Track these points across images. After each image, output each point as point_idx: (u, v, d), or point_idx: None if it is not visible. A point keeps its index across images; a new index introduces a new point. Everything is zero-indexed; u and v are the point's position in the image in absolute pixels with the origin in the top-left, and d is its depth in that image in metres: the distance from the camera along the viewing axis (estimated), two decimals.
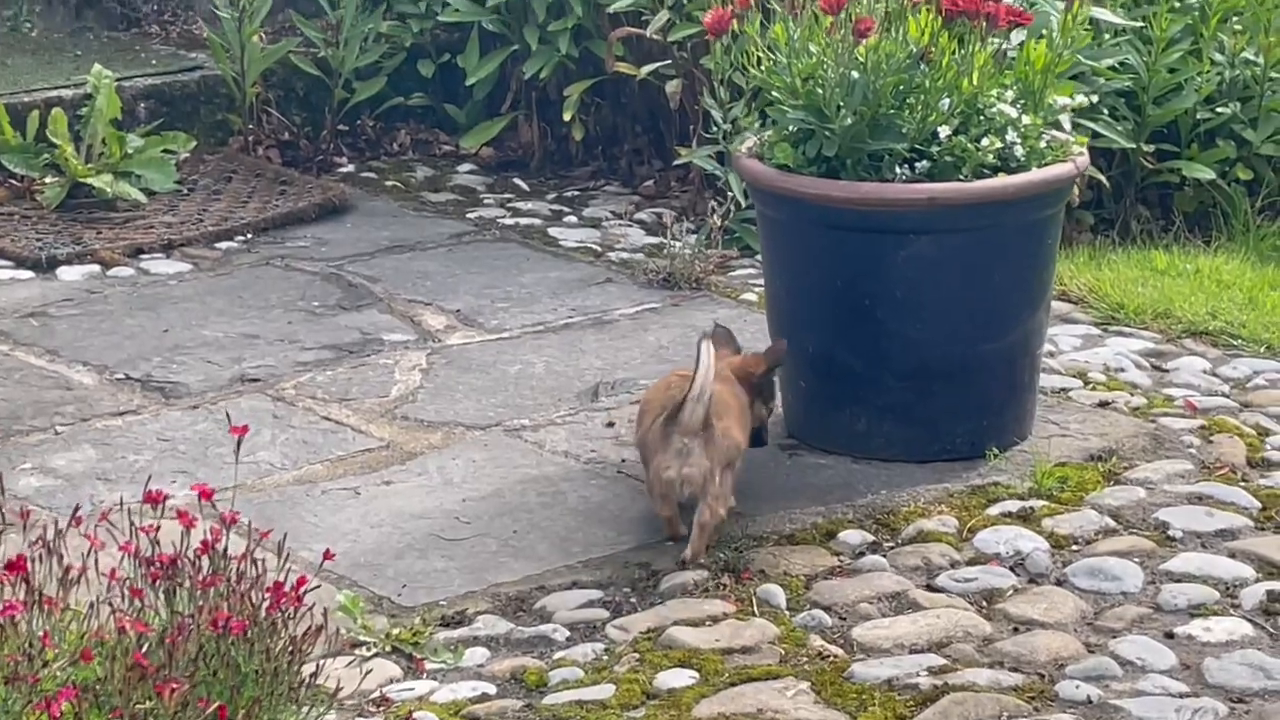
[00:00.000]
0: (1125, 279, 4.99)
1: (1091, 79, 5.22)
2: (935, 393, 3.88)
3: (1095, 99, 5.25)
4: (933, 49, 3.85)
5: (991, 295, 3.87)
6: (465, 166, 5.98)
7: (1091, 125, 5.19)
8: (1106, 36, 5.29)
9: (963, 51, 3.87)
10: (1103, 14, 5.17)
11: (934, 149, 3.83)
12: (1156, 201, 5.63)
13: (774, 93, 3.94)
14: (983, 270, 3.85)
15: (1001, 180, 3.81)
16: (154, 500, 2.98)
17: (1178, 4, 5.49)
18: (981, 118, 3.88)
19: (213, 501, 2.95)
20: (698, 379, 3.50)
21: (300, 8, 6.12)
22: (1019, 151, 3.85)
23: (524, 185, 5.85)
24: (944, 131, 3.81)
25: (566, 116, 5.73)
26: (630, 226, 5.48)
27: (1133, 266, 5.11)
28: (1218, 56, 5.54)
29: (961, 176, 3.82)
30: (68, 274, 5.02)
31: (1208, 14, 5.51)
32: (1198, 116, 5.51)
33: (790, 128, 3.90)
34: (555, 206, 5.66)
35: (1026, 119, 3.88)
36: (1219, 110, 5.51)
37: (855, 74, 3.80)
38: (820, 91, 3.83)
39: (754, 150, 4.00)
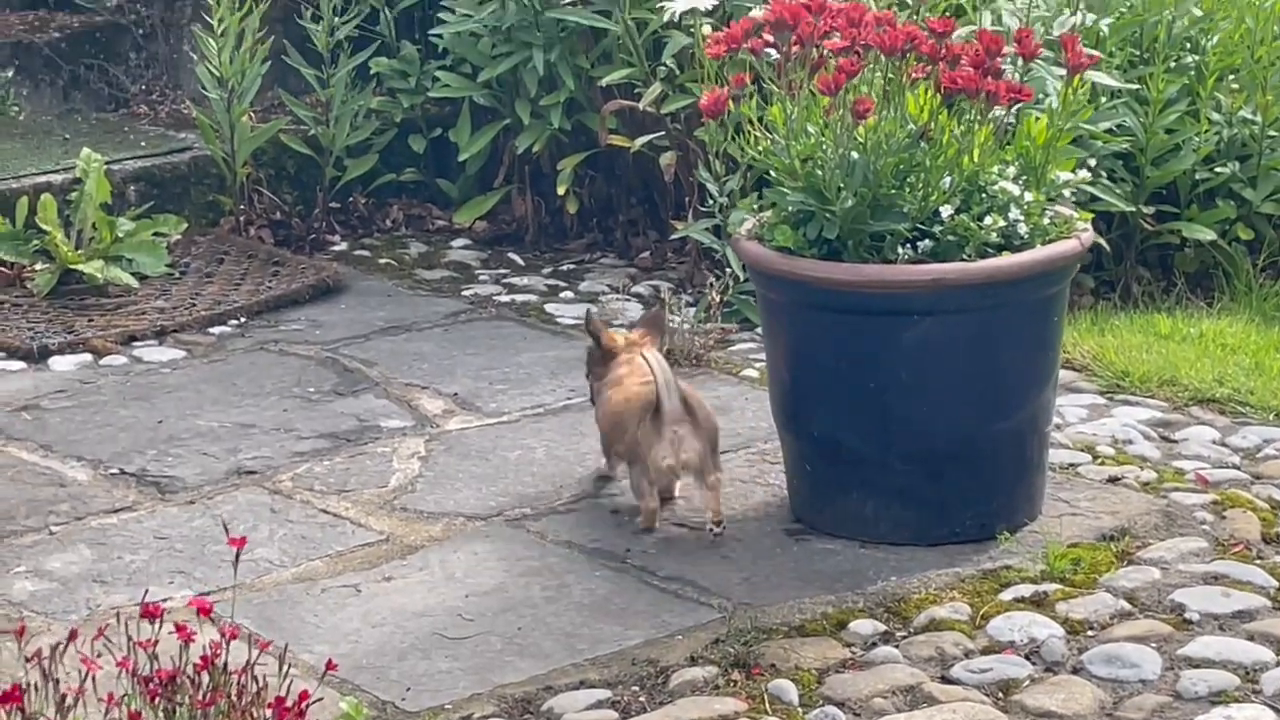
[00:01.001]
0: (1129, 345, 4.93)
1: (1089, 142, 5.17)
2: (944, 475, 3.82)
3: (1093, 162, 5.21)
4: (932, 127, 3.80)
5: (999, 375, 3.81)
6: (459, 241, 5.93)
7: (1090, 189, 5.15)
8: (1103, 99, 5.25)
9: (962, 128, 3.82)
10: (1099, 77, 5.13)
11: (936, 228, 3.78)
12: (1157, 263, 5.59)
13: (772, 174, 3.89)
14: (989, 350, 3.79)
15: (1006, 259, 3.76)
16: (151, 614, 2.92)
17: (1174, 64, 5.45)
18: (983, 195, 3.83)
19: (211, 616, 2.88)
20: (656, 371, 3.83)
21: (289, 85, 6.08)
22: (1022, 229, 3.80)
23: (519, 259, 5.80)
24: (946, 211, 3.76)
25: (560, 190, 5.69)
26: (628, 301, 5.43)
27: (1136, 332, 5.06)
28: (1215, 116, 5.51)
29: (965, 256, 3.76)
30: (60, 364, 4.96)
31: (1204, 74, 5.48)
32: (1196, 177, 5.48)
33: (790, 209, 3.85)
34: (551, 281, 5.61)
35: (1029, 196, 3.83)
36: (1218, 170, 5.48)
37: (855, 155, 3.75)
38: (820, 173, 3.78)
39: (753, 232, 3.95)
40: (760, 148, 3.89)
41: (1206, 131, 5.45)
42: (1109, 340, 4.96)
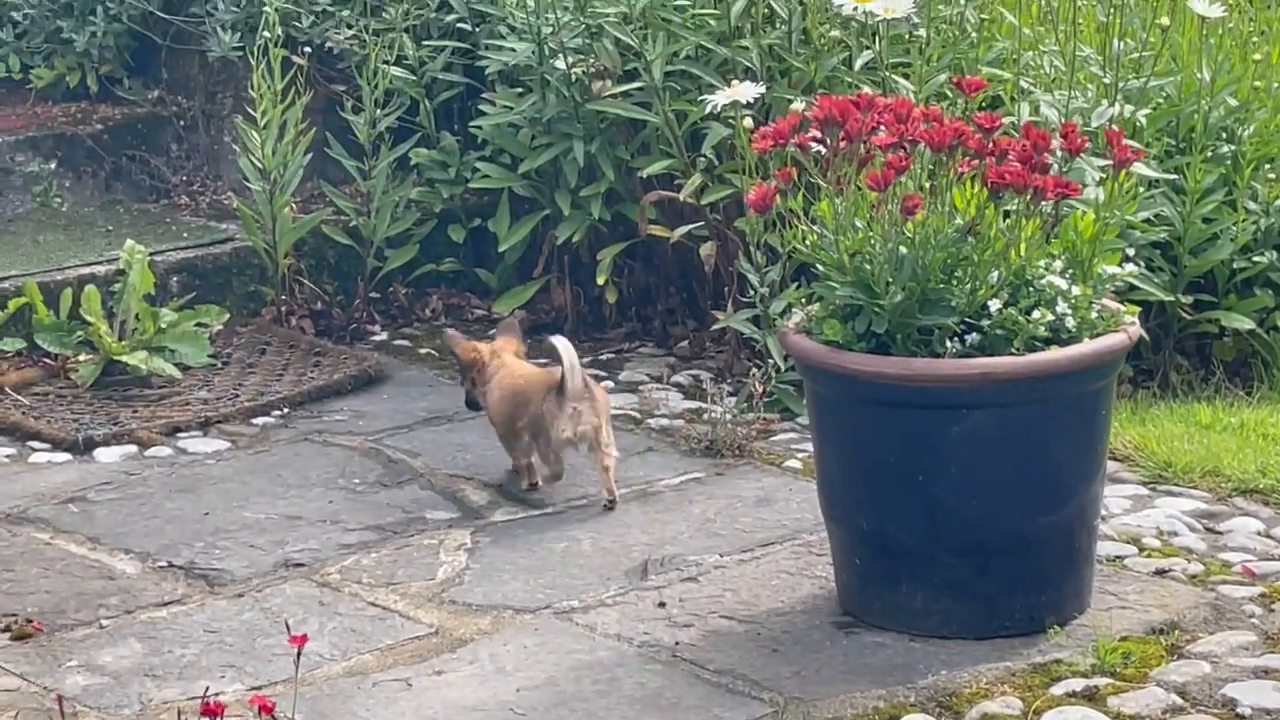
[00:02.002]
0: (1170, 435, 4.94)
1: (1128, 232, 5.19)
2: (993, 568, 3.83)
3: (1132, 251, 5.23)
4: (979, 221, 3.83)
5: (1047, 468, 3.82)
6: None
7: (1129, 279, 5.16)
8: (1141, 189, 5.27)
9: (1009, 222, 3.85)
10: (1137, 167, 5.15)
11: (984, 322, 3.80)
12: (1195, 351, 5.60)
13: (820, 268, 3.92)
14: (1038, 443, 3.81)
15: (1054, 353, 3.77)
16: (212, 713, 2.93)
17: (1210, 154, 5.48)
18: (1031, 289, 3.86)
19: (274, 714, 2.89)
20: (564, 355, 4.45)
21: (329, 175, 6.13)
22: (1070, 323, 3.82)
23: None
24: (994, 305, 3.78)
25: (600, 280, 5.72)
26: (668, 390, 5.45)
27: (1176, 422, 5.07)
28: (1252, 205, 5.53)
29: (1013, 349, 3.78)
30: (105, 455, 4.99)
31: (1241, 163, 5.50)
32: (1234, 266, 5.49)
33: (838, 303, 3.87)
34: (590, 371, 5.61)
35: (1076, 290, 3.85)
36: (1255, 259, 5.49)
37: (903, 250, 3.78)
38: (868, 267, 3.81)
39: (801, 325, 3.97)
40: (808, 242, 3.92)
41: (1244, 221, 5.47)
42: (1150, 430, 4.97)
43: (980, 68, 5.34)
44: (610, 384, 5.51)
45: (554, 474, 4.62)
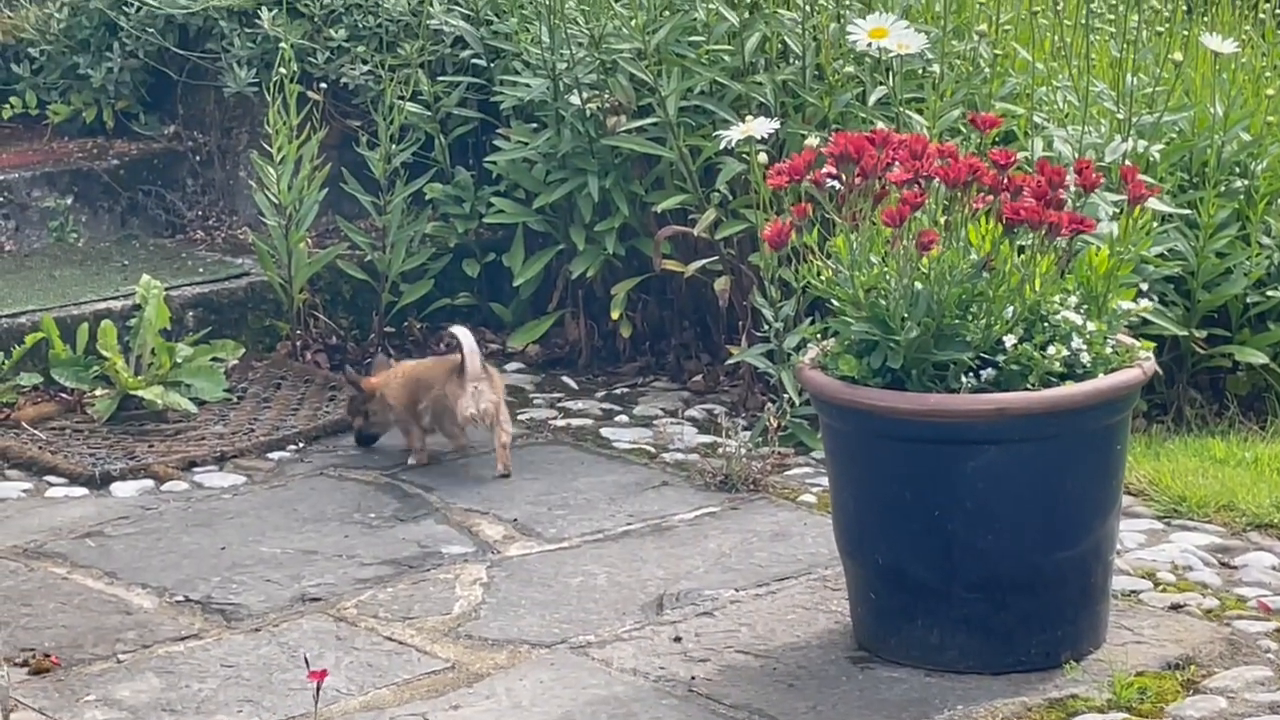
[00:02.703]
0: (1185, 469, 4.95)
1: (1142, 267, 5.20)
2: (1009, 604, 3.83)
3: (1145, 286, 5.24)
4: (994, 257, 3.84)
5: (1063, 504, 3.83)
6: (513, 365, 5.97)
7: (1143, 313, 5.18)
8: (1154, 224, 5.28)
9: (1024, 257, 3.86)
10: (1150, 202, 5.16)
11: (1000, 357, 3.81)
12: (1209, 385, 5.61)
13: (835, 303, 3.93)
14: (1053, 479, 3.82)
15: (1070, 389, 3.78)
16: None
17: (1224, 189, 5.50)
18: (1046, 324, 3.87)
19: None
20: (464, 340, 4.96)
21: (344, 210, 6.15)
22: (1085, 358, 3.83)
23: (572, 383, 5.83)
24: (1010, 340, 3.79)
25: (614, 315, 5.73)
26: (682, 424, 5.46)
27: (1191, 456, 5.07)
28: (1265, 240, 5.54)
29: (1029, 385, 3.79)
30: (121, 490, 5.00)
31: (1254, 198, 5.52)
32: (1248, 300, 5.50)
33: (853, 338, 3.88)
34: (605, 405, 5.64)
35: (1091, 325, 3.86)
36: (1269, 293, 5.50)
37: (919, 285, 3.79)
38: (883, 303, 3.82)
39: (817, 361, 3.98)
40: (823, 277, 3.93)
41: (1257, 255, 5.48)
42: (1165, 465, 4.98)
43: (994, 103, 5.36)
44: (625, 418, 5.52)
45: (459, 448, 5.13)
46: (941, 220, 3.85)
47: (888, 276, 3.83)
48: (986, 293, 3.84)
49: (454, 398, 4.98)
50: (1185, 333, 5.38)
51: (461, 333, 5.01)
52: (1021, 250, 3.88)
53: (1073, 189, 3.93)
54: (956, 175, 3.75)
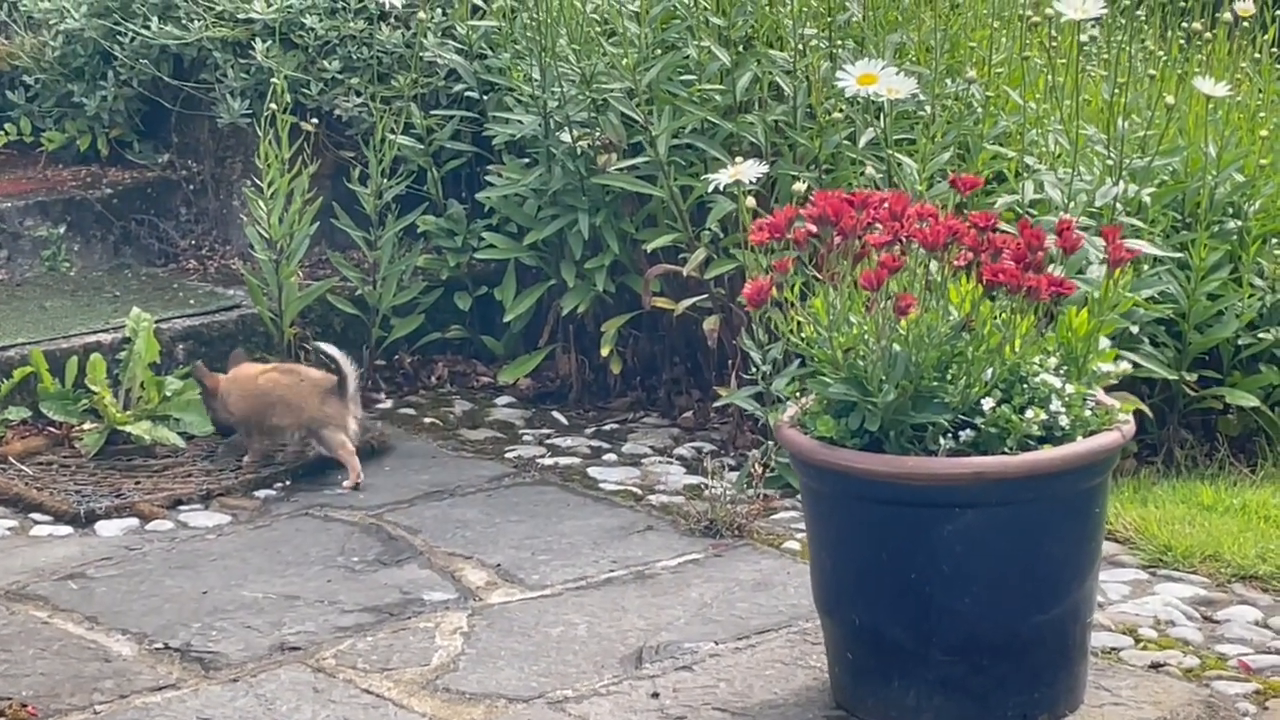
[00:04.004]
0: (1172, 517, 4.93)
1: (1132, 310, 5.19)
2: (985, 666, 3.82)
3: (1135, 329, 5.23)
4: (974, 318, 3.82)
5: (1040, 567, 3.82)
6: (503, 399, 5.96)
7: (1133, 356, 5.17)
8: (1145, 267, 5.27)
9: (1004, 317, 3.84)
10: (1142, 245, 5.16)
11: (978, 419, 3.80)
12: (1200, 426, 5.59)
13: (814, 362, 3.92)
14: (1031, 542, 3.80)
15: (1047, 453, 3.77)
16: None
17: (1216, 230, 5.48)
18: (1025, 385, 3.85)
19: None
20: (343, 362, 5.27)
21: (336, 240, 6.15)
22: (1064, 421, 3.81)
23: (562, 418, 5.83)
24: (988, 404, 3.78)
25: (604, 352, 5.73)
26: (671, 463, 5.45)
27: (1179, 502, 5.06)
28: (1258, 282, 5.53)
29: (1006, 448, 3.78)
30: (106, 529, 5.00)
31: (1246, 240, 5.51)
32: (1239, 342, 5.49)
33: (831, 398, 3.87)
34: (594, 443, 5.63)
35: (1070, 388, 3.84)
36: (1261, 336, 5.49)
37: (897, 347, 3.78)
38: (861, 364, 3.80)
39: (795, 419, 3.97)
40: (803, 334, 3.92)
41: (1250, 297, 5.47)
42: (1152, 511, 4.96)
43: (985, 144, 5.35)
44: (613, 456, 5.52)
45: (347, 454, 5.31)
46: (922, 279, 3.83)
47: (866, 338, 3.81)
48: (965, 354, 3.82)
49: (340, 417, 5.26)
50: (1175, 376, 5.36)
51: (337, 352, 5.29)
52: (1002, 311, 3.86)
53: (1053, 250, 3.91)
54: (935, 239, 3.74)
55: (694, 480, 5.28)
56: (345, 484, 5.25)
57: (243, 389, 5.35)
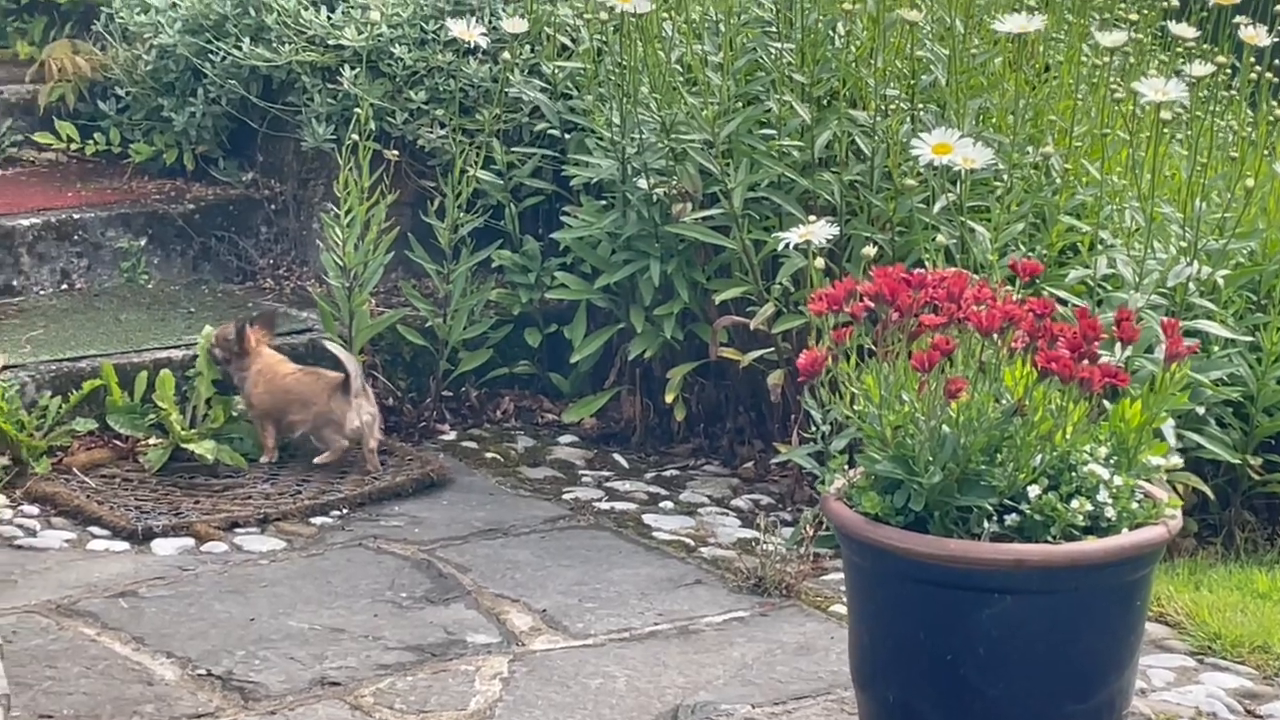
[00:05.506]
0: (1224, 604, 4.90)
1: (1199, 391, 5.16)
2: None
3: (1202, 410, 5.20)
4: (1026, 403, 3.81)
5: (1078, 658, 3.80)
6: (566, 437, 5.99)
7: (1196, 438, 5.15)
8: (1216, 349, 5.24)
9: (1056, 404, 3.83)
10: (1212, 327, 5.14)
11: (1023, 505, 3.79)
12: (1264, 509, 5.55)
13: (863, 437, 3.92)
14: (1069, 632, 3.79)
15: (1091, 544, 3.76)
16: None
17: None
18: (1073, 474, 3.84)
19: None
20: (345, 359, 5.50)
21: (412, 268, 6.19)
22: (1110, 512, 3.80)
23: (623, 461, 5.85)
24: (1034, 491, 3.77)
25: (669, 399, 5.74)
26: (727, 515, 5.46)
27: (1233, 588, 5.02)
28: None
29: (1050, 536, 3.77)
30: (162, 547, 5.06)
31: None
32: None
33: (878, 475, 3.87)
34: (652, 488, 5.64)
35: (1119, 479, 3.83)
36: None
37: (946, 429, 3.77)
38: (910, 443, 3.80)
39: (842, 492, 3.97)
40: (856, 408, 3.92)
41: None
42: (1204, 596, 4.93)
43: (1060, 216, 5.33)
44: (670, 504, 5.53)
45: (338, 452, 5.54)
46: (976, 362, 3.83)
47: (916, 417, 3.81)
48: (1015, 438, 3.81)
49: (341, 413, 5.47)
50: (1239, 460, 5.33)
51: (341, 351, 5.55)
52: (1054, 397, 3.84)
53: (1111, 339, 3.90)
54: (990, 323, 3.73)
55: (748, 534, 5.29)
56: (316, 460, 5.55)
57: (269, 385, 5.56)
